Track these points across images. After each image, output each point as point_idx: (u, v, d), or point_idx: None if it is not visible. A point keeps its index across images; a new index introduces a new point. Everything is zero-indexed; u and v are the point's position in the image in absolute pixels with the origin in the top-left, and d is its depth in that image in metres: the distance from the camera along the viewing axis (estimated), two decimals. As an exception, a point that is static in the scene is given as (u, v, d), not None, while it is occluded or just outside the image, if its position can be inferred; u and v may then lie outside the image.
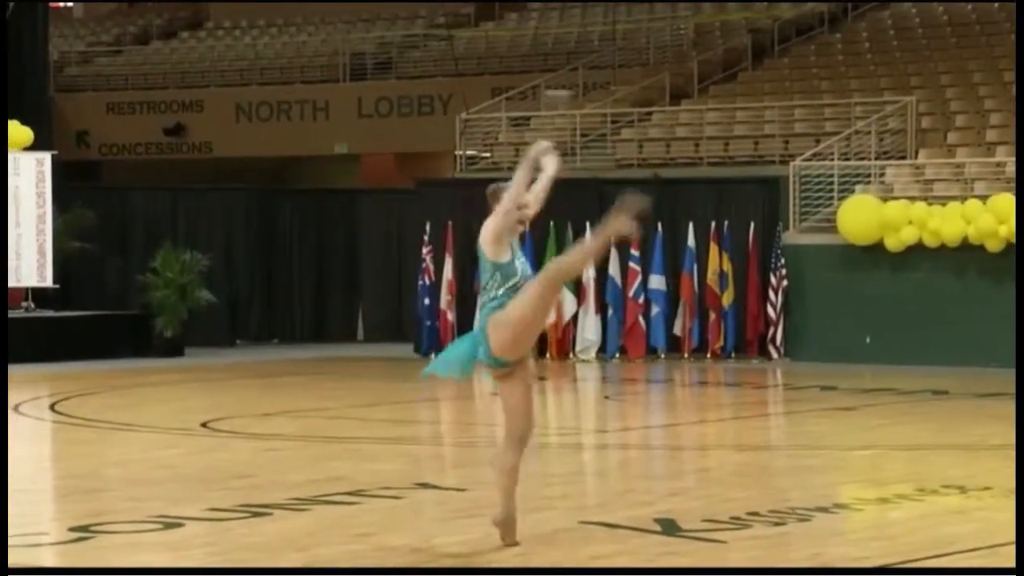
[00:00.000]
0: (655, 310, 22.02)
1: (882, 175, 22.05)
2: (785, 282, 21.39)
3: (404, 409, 17.31)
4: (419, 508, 10.14)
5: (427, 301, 22.65)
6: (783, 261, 21.37)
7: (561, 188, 26.93)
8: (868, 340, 21.05)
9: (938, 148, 22.66)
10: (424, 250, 22.72)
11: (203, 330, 23.51)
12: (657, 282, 21.99)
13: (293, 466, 11.97)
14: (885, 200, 21.12)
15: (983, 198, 20.55)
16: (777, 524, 9.30)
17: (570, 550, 8.49)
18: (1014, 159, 21.57)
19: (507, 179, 8.40)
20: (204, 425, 14.58)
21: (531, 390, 8.49)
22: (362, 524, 9.36)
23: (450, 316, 22.54)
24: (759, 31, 28.17)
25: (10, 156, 22.34)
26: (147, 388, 18.85)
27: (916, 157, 22.51)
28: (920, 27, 27.47)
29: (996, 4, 27.48)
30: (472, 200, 23.69)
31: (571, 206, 22.53)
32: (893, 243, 20.92)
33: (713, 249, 21.80)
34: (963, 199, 20.74)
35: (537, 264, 23.02)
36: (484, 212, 8.39)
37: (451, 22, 31.94)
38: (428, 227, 22.74)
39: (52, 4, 33.22)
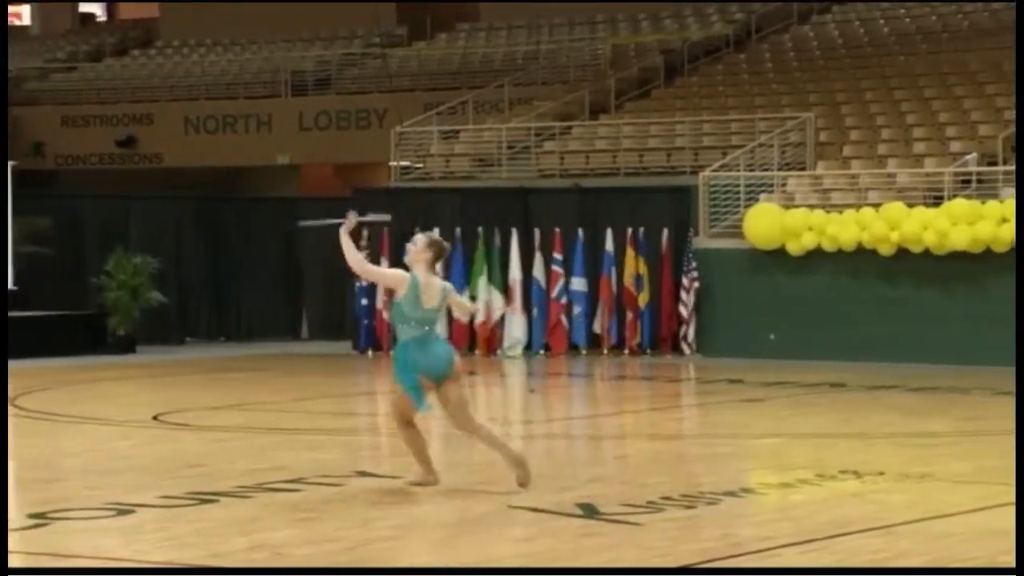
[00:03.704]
0: (576, 310, 22.07)
1: (784, 185, 22.20)
2: (696, 284, 21.48)
3: (344, 403, 17.23)
4: (357, 494, 10.09)
5: (364, 301, 22.57)
6: (694, 264, 21.47)
7: (488, 197, 26.89)
8: (772, 337, 21.18)
9: (834, 160, 22.84)
10: (361, 254, 22.61)
11: (154, 329, 23.30)
12: (578, 284, 22.03)
13: (239, 456, 11.90)
14: (787, 208, 21.26)
15: (876, 206, 20.72)
16: (688, 507, 9.33)
17: (496, 532, 8.48)
18: (904, 170, 21.80)
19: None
20: (156, 418, 14.45)
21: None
22: (303, 509, 9.31)
23: (386, 315, 22.45)
24: (671, 52, 28.32)
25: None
26: (102, 383, 18.65)
27: (815, 168, 22.68)
28: (818, 49, 27.72)
29: (887, 28, 27.81)
30: (405, 207, 23.84)
31: (497, 214, 22.58)
32: (794, 248, 21.07)
33: (630, 253, 21.86)
34: (857, 207, 20.90)
35: (468, 278, 22.84)
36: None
37: (386, 42, 31.88)
38: (365, 232, 22.63)
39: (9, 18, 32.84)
